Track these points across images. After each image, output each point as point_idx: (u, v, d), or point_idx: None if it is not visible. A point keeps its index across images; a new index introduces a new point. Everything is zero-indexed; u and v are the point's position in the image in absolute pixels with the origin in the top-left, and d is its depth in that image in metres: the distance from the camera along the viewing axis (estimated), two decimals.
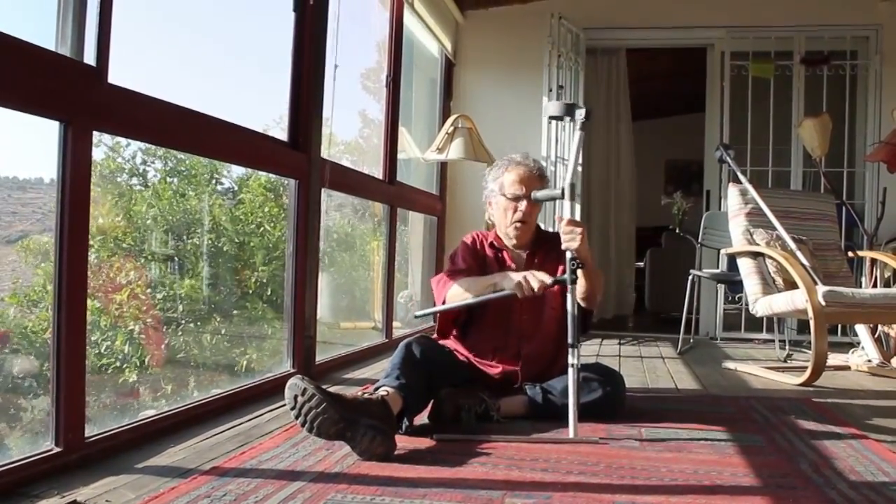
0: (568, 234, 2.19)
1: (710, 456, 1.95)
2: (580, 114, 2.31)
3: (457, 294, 2.36)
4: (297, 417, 1.87)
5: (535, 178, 2.48)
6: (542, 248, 2.54)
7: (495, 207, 2.53)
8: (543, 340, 2.46)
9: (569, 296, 2.17)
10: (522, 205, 2.45)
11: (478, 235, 2.61)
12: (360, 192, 4.03)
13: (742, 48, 5.07)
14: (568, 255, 2.19)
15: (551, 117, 2.43)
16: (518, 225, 2.47)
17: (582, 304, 2.33)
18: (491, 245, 2.56)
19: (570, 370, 2.10)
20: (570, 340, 2.12)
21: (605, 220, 5.95)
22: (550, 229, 2.94)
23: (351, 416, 1.85)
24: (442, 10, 4.96)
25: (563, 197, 2.26)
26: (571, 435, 2.06)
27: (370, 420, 1.86)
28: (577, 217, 5.13)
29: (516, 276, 2.26)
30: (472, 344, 2.49)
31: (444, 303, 2.41)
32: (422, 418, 2.22)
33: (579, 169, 5.03)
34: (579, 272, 2.20)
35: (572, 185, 2.25)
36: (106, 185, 2.75)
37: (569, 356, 2.12)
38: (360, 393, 2.04)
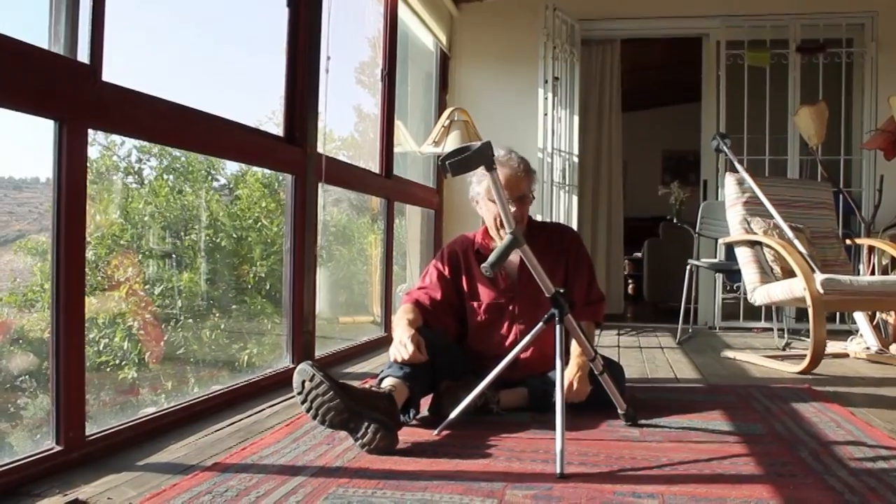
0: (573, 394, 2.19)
1: (709, 445, 1.96)
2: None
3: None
4: (302, 403, 1.88)
5: (523, 178, 2.35)
6: (535, 244, 2.20)
7: (483, 209, 2.43)
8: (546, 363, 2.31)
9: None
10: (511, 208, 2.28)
11: (462, 243, 2.52)
12: (357, 187, 4.02)
13: (737, 37, 5.05)
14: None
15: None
16: None
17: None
18: (476, 252, 2.45)
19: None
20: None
21: (595, 210, 5.92)
22: (539, 218, 2.75)
23: (356, 409, 1.86)
24: (436, 3, 4.94)
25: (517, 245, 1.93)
26: (558, 471, 1.71)
27: (375, 414, 1.87)
28: (574, 209, 5.06)
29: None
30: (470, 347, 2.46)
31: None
32: (422, 411, 2.23)
33: (577, 160, 5.03)
34: (573, 346, 2.26)
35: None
36: (102, 183, 2.74)
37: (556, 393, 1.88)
38: (367, 384, 2.03)
